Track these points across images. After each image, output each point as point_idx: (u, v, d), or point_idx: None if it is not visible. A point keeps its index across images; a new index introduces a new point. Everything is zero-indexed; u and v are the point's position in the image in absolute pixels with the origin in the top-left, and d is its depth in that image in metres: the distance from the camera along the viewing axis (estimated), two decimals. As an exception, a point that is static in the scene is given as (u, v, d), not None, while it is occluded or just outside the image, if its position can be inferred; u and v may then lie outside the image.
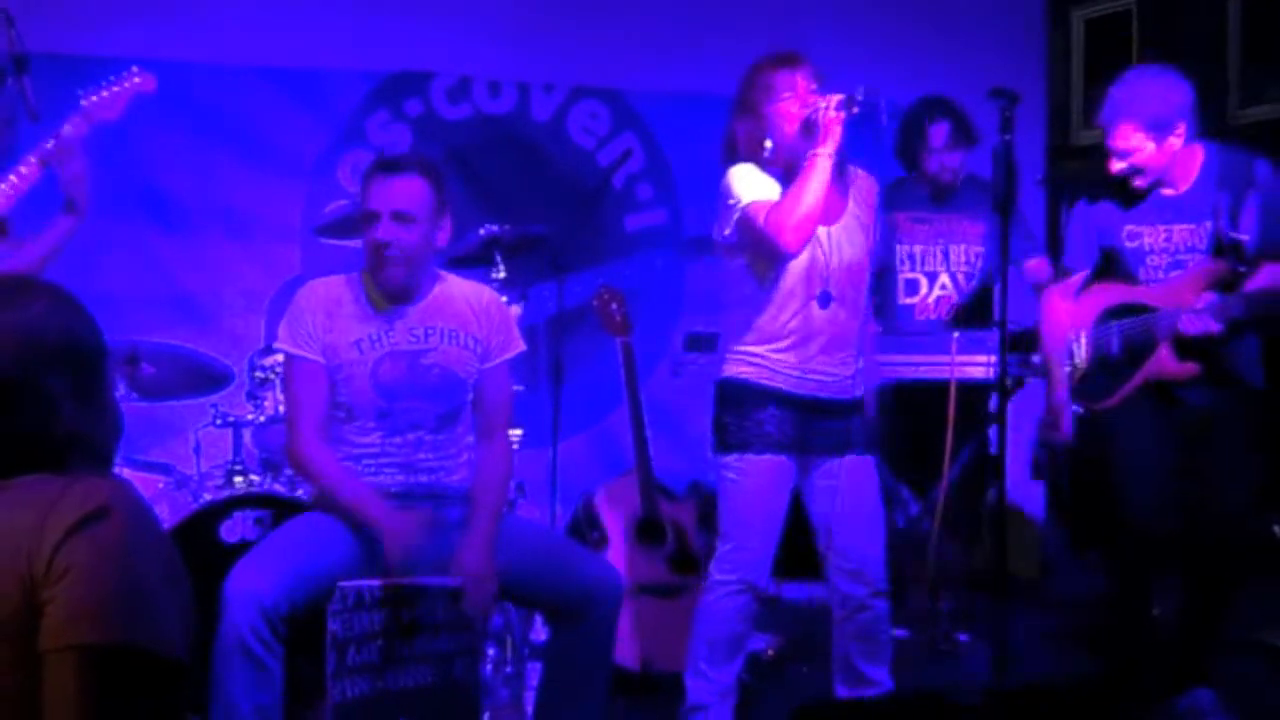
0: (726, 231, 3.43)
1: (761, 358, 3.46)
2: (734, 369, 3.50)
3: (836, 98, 3.29)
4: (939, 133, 4.54)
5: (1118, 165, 3.75)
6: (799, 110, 3.35)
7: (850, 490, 3.52)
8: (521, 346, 3.43)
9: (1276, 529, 4.83)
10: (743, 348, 3.49)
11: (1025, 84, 4.49)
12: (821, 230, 3.40)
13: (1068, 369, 3.96)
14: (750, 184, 3.39)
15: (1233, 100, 5.57)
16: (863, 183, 3.55)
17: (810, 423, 3.46)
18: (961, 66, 5.02)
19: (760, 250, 3.40)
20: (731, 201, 3.39)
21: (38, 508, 1.64)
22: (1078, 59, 6.05)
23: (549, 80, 5.50)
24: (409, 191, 3.18)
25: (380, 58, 5.27)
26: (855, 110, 3.29)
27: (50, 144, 3.50)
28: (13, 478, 1.70)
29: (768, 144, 3.38)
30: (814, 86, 3.35)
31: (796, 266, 3.40)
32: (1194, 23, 5.76)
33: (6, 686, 1.60)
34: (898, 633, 4.16)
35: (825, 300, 3.42)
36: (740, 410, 3.47)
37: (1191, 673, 3.88)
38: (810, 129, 3.33)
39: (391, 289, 3.23)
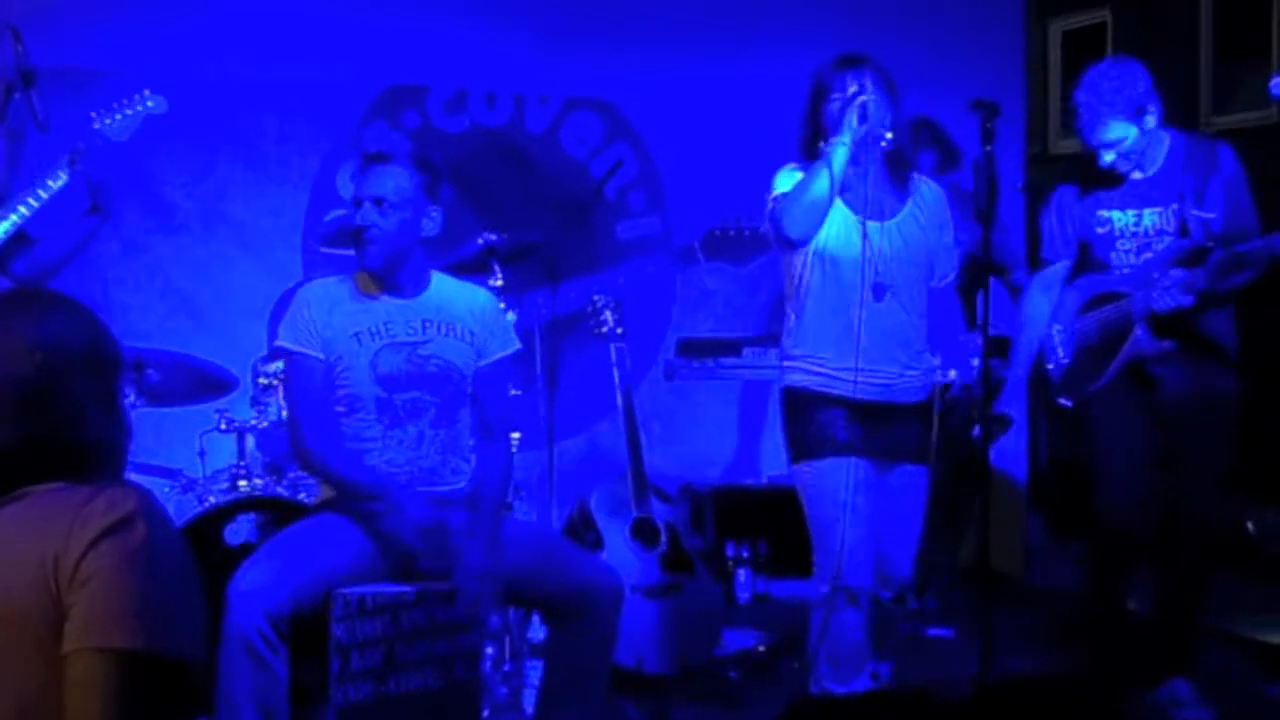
0: (767, 227, 3.43)
1: (819, 362, 3.42)
2: (793, 377, 3.47)
3: (852, 89, 3.30)
4: (925, 161, 4.61)
5: (1108, 158, 3.84)
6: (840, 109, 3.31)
7: (895, 502, 3.49)
8: (517, 345, 3.50)
9: (1250, 525, 4.91)
10: (800, 351, 3.45)
11: (1005, 94, 4.57)
12: (871, 225, 3.35)
13: (1050, 367, 4.06)
14: (786, 180, 3.38)
15: (1205, 108, 5.68)
16: (927, 189, 3.54)
17: (871, 426, 3.40)
18: (941, 77, 5.10)
19: (777, 239, 3.39)
20: (769, 199, 3.40)
21: (65, 515, 1.68)
22: (1055, 69, 6.15)
23: (544, 92, 5.59)
24: (388, 177, 3.28)
25: (380, 70, 5.35)
26: (864, 100, 3.27)
27: (66, 172, 3.56)
28: (37, 484, 1.74)
29: (822, 145, 3.33)
30: (856, 86, 3.30)
31: (845, 261, 3.36)
32: (1167, 33, 5.88)
33: (30, 690, 1.64)
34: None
35: (879, 292, 3.35)
36: (804, 418, 3.44)
37: (1169, 664, 3.97)
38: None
39: (372, 270, 3.31)
